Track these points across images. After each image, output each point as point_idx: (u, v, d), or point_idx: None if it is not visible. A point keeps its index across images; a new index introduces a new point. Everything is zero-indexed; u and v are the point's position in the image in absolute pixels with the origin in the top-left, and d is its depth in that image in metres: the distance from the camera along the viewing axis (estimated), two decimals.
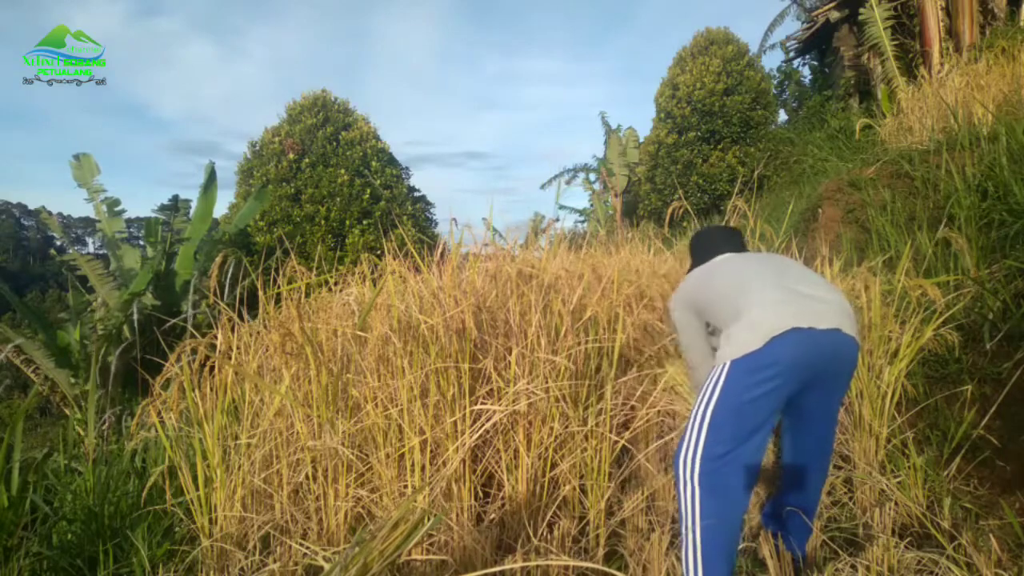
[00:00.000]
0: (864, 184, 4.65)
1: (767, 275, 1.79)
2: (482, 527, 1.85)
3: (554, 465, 1.96)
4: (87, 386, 5.40)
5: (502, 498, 1.95)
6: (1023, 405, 2.30)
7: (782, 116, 11.59)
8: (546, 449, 1.92)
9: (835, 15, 10.40)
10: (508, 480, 1.93)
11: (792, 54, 12.38)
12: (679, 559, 1.74)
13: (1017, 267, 2.90)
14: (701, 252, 2.19)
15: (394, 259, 2.26)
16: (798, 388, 1.65)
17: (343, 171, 8.52)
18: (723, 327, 1.76)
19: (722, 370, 1.63)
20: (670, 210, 3.64)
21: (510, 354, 1.95)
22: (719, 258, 2.10)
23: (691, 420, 1.66)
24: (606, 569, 1.37)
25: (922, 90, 6.34)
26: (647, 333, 2.57)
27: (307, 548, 1.60)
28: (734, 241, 2.19)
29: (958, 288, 2.87)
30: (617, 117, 41.80)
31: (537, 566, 1.65)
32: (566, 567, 1.70)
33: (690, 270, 2.18)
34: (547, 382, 1.90)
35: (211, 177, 7.24)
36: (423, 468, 1.87)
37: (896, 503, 2.10)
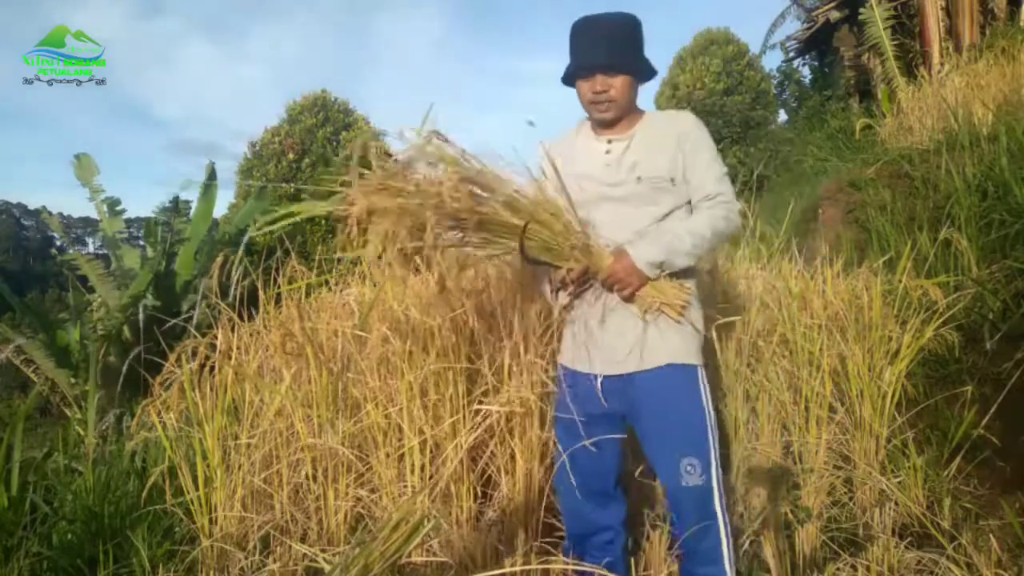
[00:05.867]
0: (864, 184, 4.65)
1: None
2: (482, 527, 1.85)
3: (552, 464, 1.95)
4: (87, 386, 5.39)
5: (501, 499, 1.95)
6: (1023, 405, 2.30)
7: (782, 116, 11.61)
8: (544, 447, 1.92)
9: (835, 15, 10.38)
10: (506, 480, 1.93)
11: (792, 54, 12.36)
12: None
13: (1017, 267, 2.90)
14: None
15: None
16: None
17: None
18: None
19: (703, 374, 1.58)
20: None
21: (507, 354, 1.94)
22: None
23: (710, 430, 1.53)
24: (605, 571, 1.37)
25: (922, 90, 6.33)
26: None
27: (307, 550, 1.60)
28: None
29: (958, 288, 2.87)
30: None
31: (537, 567, 1.65)
32: (566, 568, 1.70)
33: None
34: (544, 385, 1.90)
35: (211, 177, 7.23)
36: (423, 468, 1.87)
37: (896, 503, 2.10)
